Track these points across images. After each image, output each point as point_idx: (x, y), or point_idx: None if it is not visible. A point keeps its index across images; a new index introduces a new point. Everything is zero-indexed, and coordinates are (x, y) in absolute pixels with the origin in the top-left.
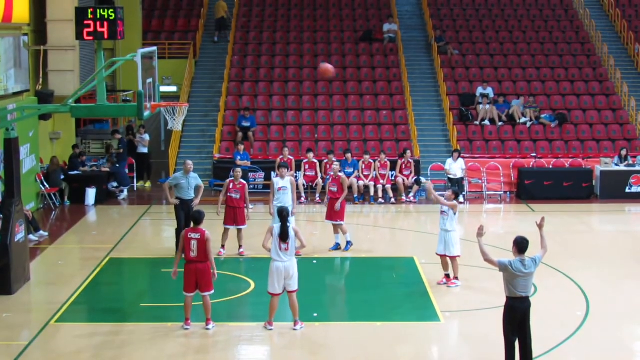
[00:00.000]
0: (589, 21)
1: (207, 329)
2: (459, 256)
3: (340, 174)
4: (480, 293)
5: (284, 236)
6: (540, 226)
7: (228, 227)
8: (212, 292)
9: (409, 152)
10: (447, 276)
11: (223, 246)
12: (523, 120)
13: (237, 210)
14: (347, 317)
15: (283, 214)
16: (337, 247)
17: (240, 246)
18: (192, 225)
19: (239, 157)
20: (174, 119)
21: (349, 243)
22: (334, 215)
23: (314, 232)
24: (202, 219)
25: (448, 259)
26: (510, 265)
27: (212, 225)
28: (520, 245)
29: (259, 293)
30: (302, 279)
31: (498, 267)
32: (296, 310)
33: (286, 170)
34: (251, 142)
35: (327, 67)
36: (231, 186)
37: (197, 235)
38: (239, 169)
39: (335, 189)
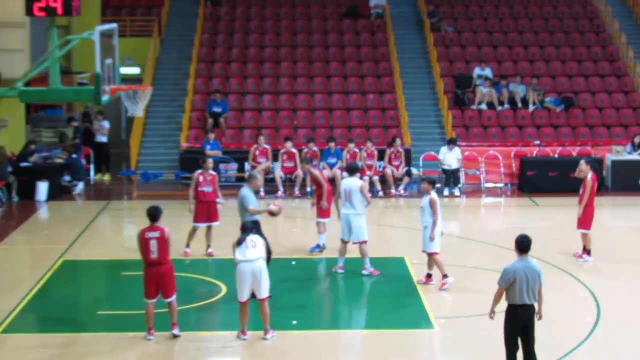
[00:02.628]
0: None
1: (174, 334)
2: (436, 253)
3: (312, 170)
4: (479, 296)
5: (238, 243)
6: (538, 318)
7: (199, 225)
8: (175, 295)
9: (398, 140)
10: (429, 276)
11: (189, 246)
12: (531, 108)
13: (210, 205)
14: (330, 324)
15: (245, 227)
16: (319, 247)
17: (209, 246)
18: (149, 223)
19: (209, 147)
20: (136, 105)
21: (318, 246)
22: (321, 213)
23: (293, 229)
24: (160, 215)
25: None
26: (513, 275)
27: (172, 223)
28: (522, 244)
29: (231, 298)
30: (280, 282)
31: (503, 287)
32: (267, 318)
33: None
34: (223, 129)
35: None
36: (201, 179)
37: (156, 234)
38: (210, 160)
39: (315, 187)
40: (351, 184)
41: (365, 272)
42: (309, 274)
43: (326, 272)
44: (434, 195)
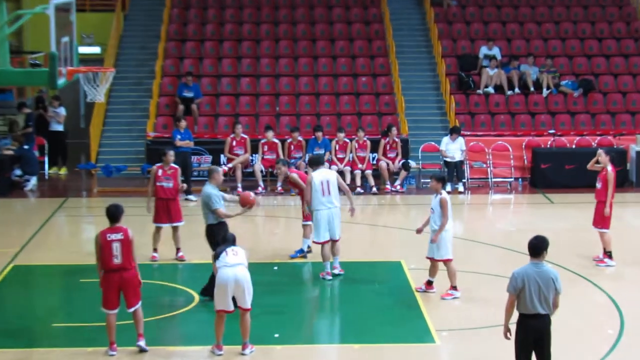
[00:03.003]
0: None
1: (140, 346)
2: (450, 259)
3: (289, 173)
4: (485, 306)
5: (215, 256)
6: None
7: (160, 225)
8: (140, 303)
9: (394, 129)
10: (429, 283)
11: (156, 250)
12: (545, 92)
13: (170, 203)
14: (317, 338)
15: (228, 238)
16: (302, 252)
17: (178, 249)
18: (109, 223)
19: (179, 137)
20: (97, 89)
21: (302, 250)
22: (307, 215)
23: (275, 230)
24: (121, 214)
25: (438, 264)
26: (522, 280)
27: (136, 223)
28: (535, 247)
29: (204, 308)
30: (260, 289)
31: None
32: (247, 331)
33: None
34: (195, 117)
35: (250, 198)
36: (160, 173)
37: (119, 236)
38: (171, 152)
39: (298, 189)
40: (327, 175)
41: (327, 276)
42: (293, 280)
43: (313, 278)
44: (444, 194)
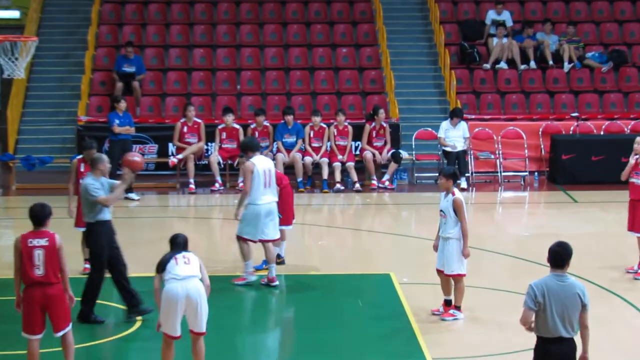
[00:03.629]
0: None
1: None
2: (462, 275)
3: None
4: (493, 329)
5: (159, 267)
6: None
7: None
8: (70, 326)
9: (382, 111)
10: (447, 303)
11: (87, 260)
12: (566, 66)
13: None
14: None
15: (177, 242)
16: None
17: None
18: (32, 227)
19: (117, 121)
20: (15, 62)
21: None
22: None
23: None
24: (48, 216)
25: (450, 278)
26: (542, 294)
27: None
28: (557, 255)
29: (148, 333)
30: (219, 309)
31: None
32: (201, 359)
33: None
34: (137, 96)
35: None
36: (82, 168)
37: (43, 242)
38: (93, 142)
39: None
40: (268, 164)
41: (240, 283)
42: (257, 297)
43: (282, 293)
44: (458, 194)
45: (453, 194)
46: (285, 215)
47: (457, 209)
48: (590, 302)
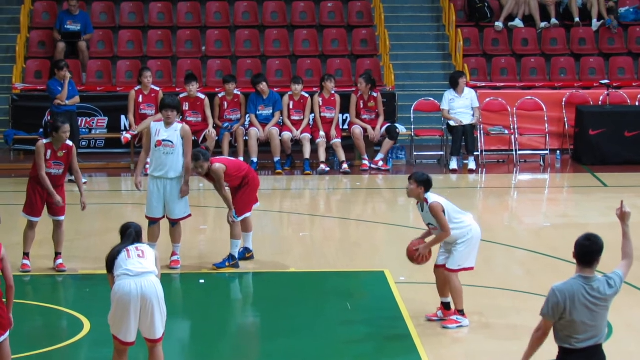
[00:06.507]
0: None
1: None
2: (471, 268)
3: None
4: (504, 338)
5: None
6: (621, 217)
7: (34, 219)
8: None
9: (374, 79)
10: (445, 306)
11: (27, 255)
12: (594, 24)
13: (55, 190)
14: None
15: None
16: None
17: (57, 254)
18: None
19: (60, 90)
20: None
21: (232, 257)
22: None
23: (202, 226)
24: None
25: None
26: (565, 300)
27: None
28: (586, 251)
29: (97, 339)
30: (181, 312)
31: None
32: None
33: (175, 111)
34: (83, 60)
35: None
36: (49, 155)
37: None
38: (66, 125)
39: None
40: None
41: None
42: (225, 298)
43: (257, 292)
44: (433, 198)
45: (426, 201)
46: (241, 201)
47: (435, 216)
48: (619, 303)
